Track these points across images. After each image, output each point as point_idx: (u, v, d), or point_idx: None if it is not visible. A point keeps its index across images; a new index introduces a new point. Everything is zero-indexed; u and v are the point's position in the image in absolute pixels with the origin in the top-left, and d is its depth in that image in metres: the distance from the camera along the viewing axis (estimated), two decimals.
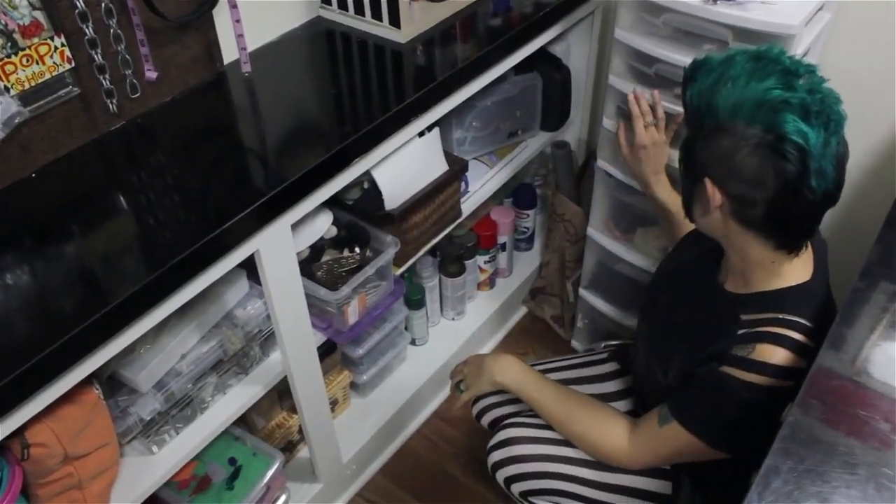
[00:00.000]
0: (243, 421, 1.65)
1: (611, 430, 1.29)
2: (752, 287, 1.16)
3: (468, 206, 1.80)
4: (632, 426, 1.28)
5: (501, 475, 1.41)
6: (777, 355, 1.08)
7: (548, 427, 1.38)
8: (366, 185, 1.53)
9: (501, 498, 1.85)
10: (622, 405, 1.46)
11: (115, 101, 1.32)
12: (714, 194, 1.07)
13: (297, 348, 1.44)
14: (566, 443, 1.36)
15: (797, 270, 1.14)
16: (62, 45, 1.22)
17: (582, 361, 1.60)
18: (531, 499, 1.40)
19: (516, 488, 1.40)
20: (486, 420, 1.60)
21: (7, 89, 1.17)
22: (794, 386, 1.06)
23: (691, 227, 1.44)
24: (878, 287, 1.09)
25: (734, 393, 1.11)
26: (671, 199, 1.48)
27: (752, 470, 1.18)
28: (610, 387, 1.52)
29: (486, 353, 1.47)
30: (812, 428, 0.88)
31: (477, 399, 1.61)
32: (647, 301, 1.43)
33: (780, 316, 1.11)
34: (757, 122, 1.00)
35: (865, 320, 1.04)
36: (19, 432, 1.05)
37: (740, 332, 1.13)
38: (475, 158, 1.88)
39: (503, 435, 1.42)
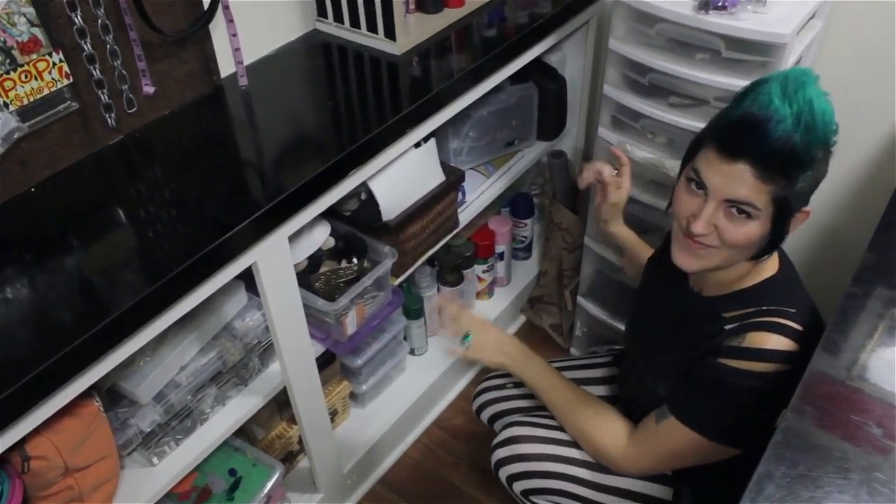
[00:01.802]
0: (243, 432, 1.66)
1: (611, 428, 1.30)
2: (729, 289, 1.20)
3: (465, 215, 1.81)
4: (632, 427, 1.29)
5: (504, 473, 1.42)
6: (770, 341, 1.10)
7: (553, 427, 1.39)
8: (363, 197, 1.54)
9: None
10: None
11: (113, 115, 1.33)
12: (807, 216, 1.12)
13: (295, 359, 1.45)
14: (571, 444, 1.37)
15: (767, 265, 1.19)
16: (60, 60, 1.23)
17: (584, 363, 1.62)
18: (532, 498, 1.40)
19: (518, 486, 1.41)
20: (485, 415, 1.62)
21: (6, 105, 1.18)
22: (788, 374, 1.08)
23: (645, 251, 1.49)
24: (872, 293, 1.09)
25: (731, 382, 1.12)
26: (626, 231, 1.52)
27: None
28: (604, 391, 1.54)
29: (499, 329, 1.43)
30: (805, 433, 0.89)
31: (478, 393, 1.64)
32: (632, 325, 1.46)
33: (764, 307, 1.14)
34: (831, 138, 1.06)
35: (859, 325, 1.04)
36: (19, 445, 1.05)
37: (728, 326, 1.16)
38: (472, 168, 1.89)
39: (508, 433, 1.43)
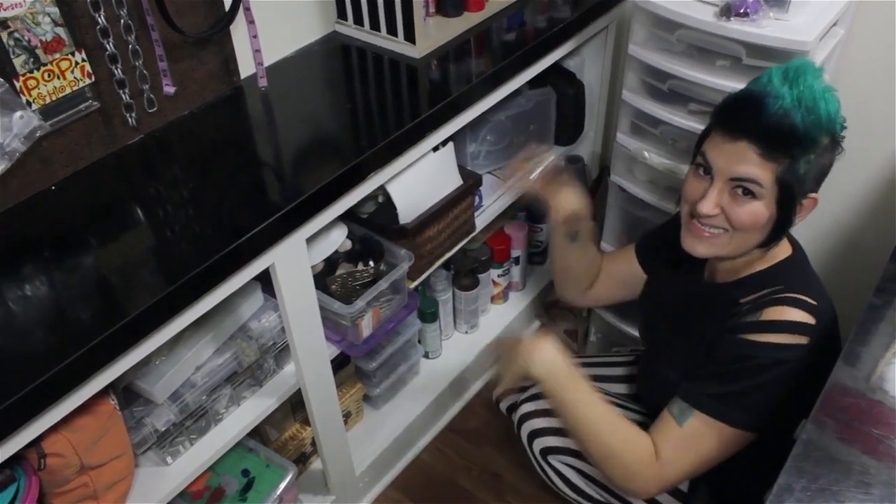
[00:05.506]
0: (257, 433, 1.66)
1: (640, 447, 1.19)
2: (741, 273, 1.21)
3: (482, 219, 1.80)
4: (653, 439, 1.20)
5: (527, 428, 1.42)
6: (788, 313, 1.12)
7: None
8: (380, 199, 1.54)
9: None
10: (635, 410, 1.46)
11: (133, 115, 1.34)
12: (815, 203, 1.14)
13: (310, 361, 1.45)
14: None
15: (779, 250, 1.21)
16: (83, 60, 1.23)
17: (604, 361, 1.62)
18: (549, 458, 1.40)
19: (538, 444, 1.41)
20: (504, 405, 1.62)
21: (29, 104, 1.19)
22: (808, 351, 1.09)
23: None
24: (894, 304, 1.08)
25: (753, 357, 1.12)
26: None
27: (770, 483, 1.18)
28: (623, 389, 1.54)
29: (527, 335, 1.38)
30: (826, 446, 0.88)
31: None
32: (644, 322, 1.46)
33: (779, 286, 1.16)
34: (836, 127, 1.10)
35: (880, 337, 1.03)
36: (36, 442, 1.06)
37: (746, 308, 1.16)
38: (489, 173, 1.88)
39: (537, 388, 1.42)
